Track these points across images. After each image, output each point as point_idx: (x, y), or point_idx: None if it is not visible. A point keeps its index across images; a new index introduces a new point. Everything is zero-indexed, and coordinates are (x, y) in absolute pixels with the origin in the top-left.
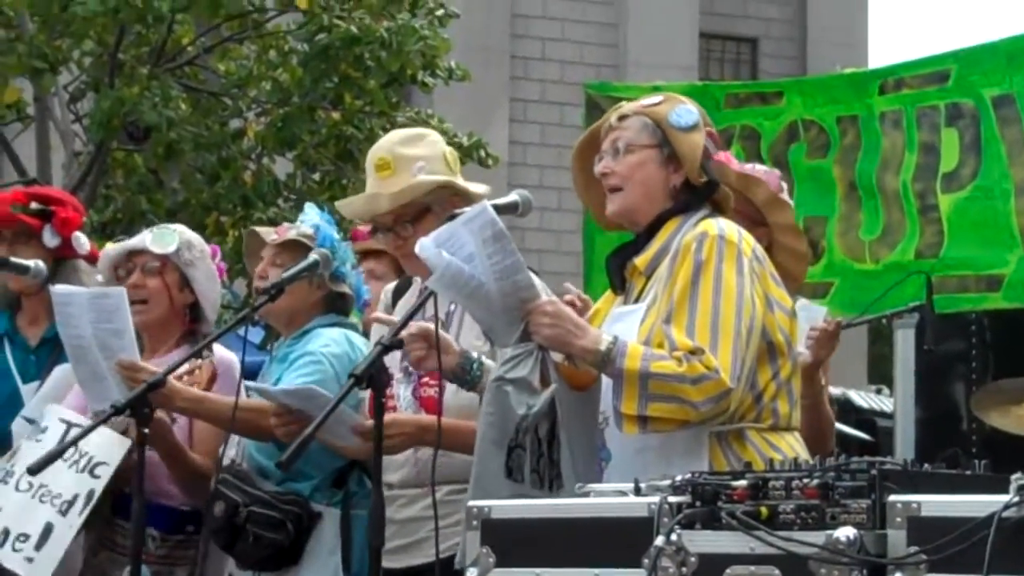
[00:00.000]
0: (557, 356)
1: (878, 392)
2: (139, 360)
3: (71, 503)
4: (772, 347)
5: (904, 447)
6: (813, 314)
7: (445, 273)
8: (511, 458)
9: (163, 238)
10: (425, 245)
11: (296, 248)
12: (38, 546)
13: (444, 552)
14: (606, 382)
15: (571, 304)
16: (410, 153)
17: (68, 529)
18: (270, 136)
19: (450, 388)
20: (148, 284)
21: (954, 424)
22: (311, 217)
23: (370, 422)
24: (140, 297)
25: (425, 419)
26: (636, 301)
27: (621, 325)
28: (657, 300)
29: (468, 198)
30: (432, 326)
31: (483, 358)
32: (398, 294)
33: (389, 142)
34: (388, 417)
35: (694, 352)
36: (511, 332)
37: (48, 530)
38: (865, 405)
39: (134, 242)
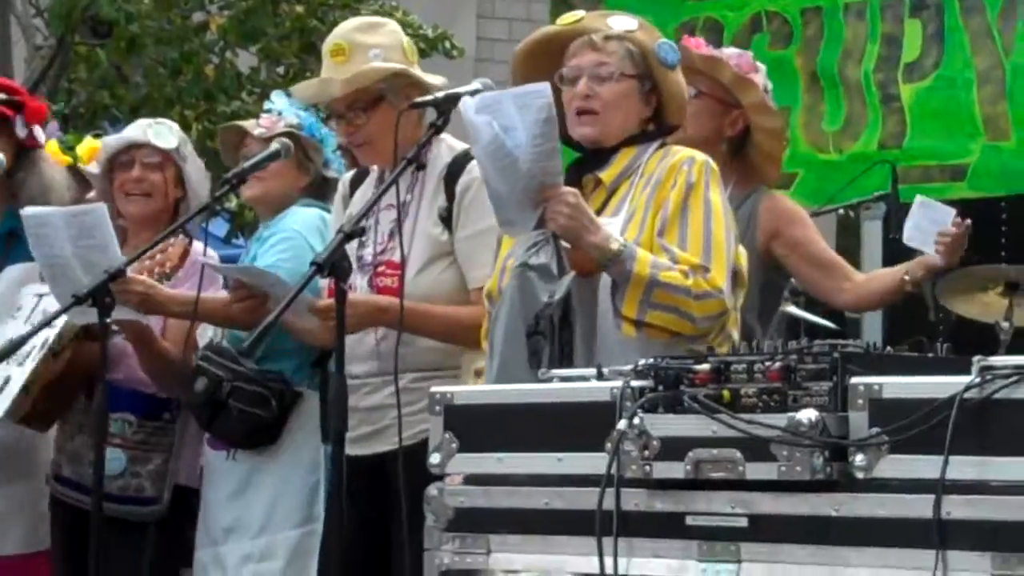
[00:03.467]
0: (565, 244)
1: None
2: (128, 272)
3: (28, 354)
4: (735, 276)
5: (870, 336)
6: (940, 215)
7: (491, 144)
8: (529, 344)
9: (164, 133)
10: (469, 107)
11: (286, 137)
12: None
13: (408, 440)
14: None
15: None
16: (366, 40)
17: (22, 374)
18: (233, 29)
19: (409, 276)
20: (150, 177)
21: (921, 314)
22: (280, 104)
23: (326, 300)
24: (143, 190)
25: (383, 300)
26: (599, 214)
27: None
28: (635, 217)
29: (423, 88)
30: None
31: None
32: (355, 184)
33: (345, 29)
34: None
35: (698, 268)
36: (524, 217)
37: (6, 381)
38: None
39: (135, 135)
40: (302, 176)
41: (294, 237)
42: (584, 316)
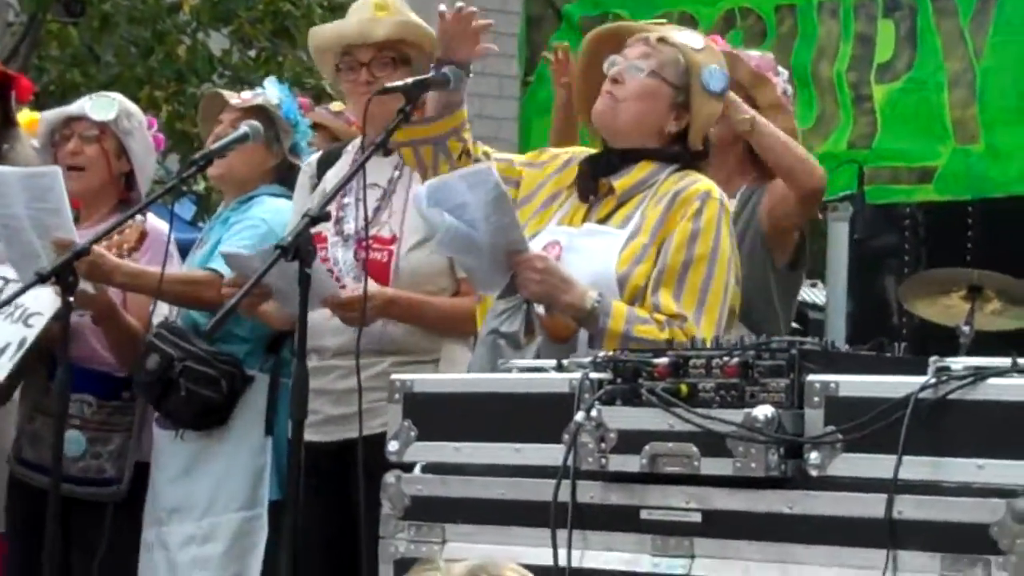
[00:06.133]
0: (539, 308)
1: (813, 287)
2: (76, 238)
3: (3, 350)
4: (729, 314)
5: (833, 337)
6: None
7: (446, 236)
8: None
9: (102, 106)
10: (421, 199)
11: (260, 114)
12: None
13: (379, 428)
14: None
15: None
16: (411, 11)
17: None
18: (206, 11)
19: (401, 251)
20: (86, 151)
21: (885, 316)
22: (272, 92)
23: (349, 295)
24: (78, 164)
25: (390, 291)
26: (604, 221)
27: (593, 241)
28: (638, 238)
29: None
30: None
31: None
32: (323, 165)
33: None
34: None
35: (676, 317)
36: (496, 282)
37: None
38: None
39: (73, 108)
40: (269, 158)
41: (261, 226)
42: None
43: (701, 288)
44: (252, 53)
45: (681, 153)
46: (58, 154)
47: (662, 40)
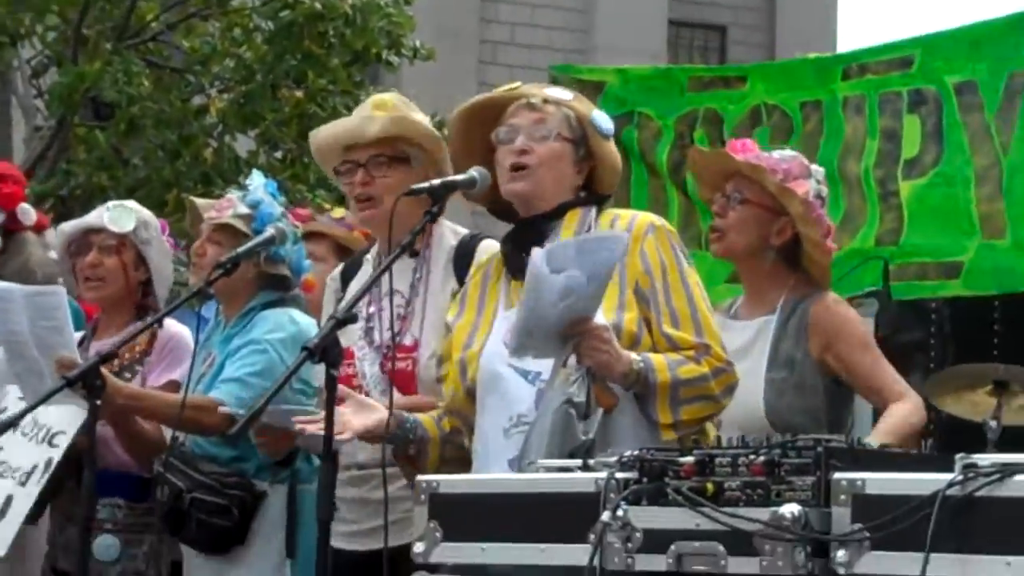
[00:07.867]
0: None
1: None
2: (78, 358)
3: (30, 473)
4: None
5: (861, 434)
6: None
7: (567, 294)
8: None
9: (121, 217)
10: (539, 263)
11: (233, 230)
12: None
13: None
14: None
15: None
16: (412, 110)
17: (26, 498)
18: (232, 113)
19: (422, 361)
20: (105, 262)
21: None
22: (256, 185)
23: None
24: (97, 275)
25: (403, 400)
26: None
27: None
28: (611, 291)
29: (443, 175)
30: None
31: (416, 416)
32: (346, 276)
33: (395, 96)
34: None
35: (701, 348)
36: (547, 348)
37: (8, 502)
38: None
39: (91, 220)
40: (249, 268)
41: (266, 350)
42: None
43: (691, 316)
44: (278, 155)
45: (594, 198)
46: (76, 265)
47: (546, 101)
